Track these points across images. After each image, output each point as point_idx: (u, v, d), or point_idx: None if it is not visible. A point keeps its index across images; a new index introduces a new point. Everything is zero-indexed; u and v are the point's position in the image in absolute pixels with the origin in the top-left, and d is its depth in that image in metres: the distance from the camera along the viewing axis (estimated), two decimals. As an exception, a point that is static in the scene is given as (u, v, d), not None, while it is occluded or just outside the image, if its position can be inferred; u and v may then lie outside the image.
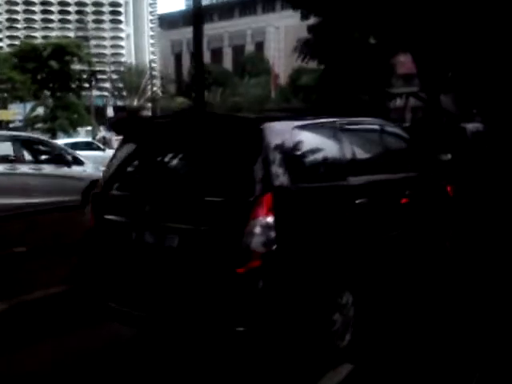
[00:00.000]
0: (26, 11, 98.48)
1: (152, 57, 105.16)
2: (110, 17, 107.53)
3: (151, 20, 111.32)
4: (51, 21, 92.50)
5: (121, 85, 35.78)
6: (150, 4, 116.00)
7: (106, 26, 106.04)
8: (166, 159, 3.98)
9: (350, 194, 4.09)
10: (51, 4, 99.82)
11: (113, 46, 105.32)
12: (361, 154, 4.42)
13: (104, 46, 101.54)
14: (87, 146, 19.49)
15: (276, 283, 3.32)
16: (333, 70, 21.30)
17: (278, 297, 3.33)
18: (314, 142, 3.97)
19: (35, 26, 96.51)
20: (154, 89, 46.31)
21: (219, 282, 3.29)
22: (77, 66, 29.18)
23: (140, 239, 3.66)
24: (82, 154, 11.92)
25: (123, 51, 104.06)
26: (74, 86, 29.88)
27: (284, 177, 3.46)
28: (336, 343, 3.76)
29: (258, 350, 3.55)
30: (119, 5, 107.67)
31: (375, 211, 4.31)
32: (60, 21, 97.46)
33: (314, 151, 3.93)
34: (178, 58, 75.50)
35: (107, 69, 43.89)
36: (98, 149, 19.71)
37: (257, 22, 70.18)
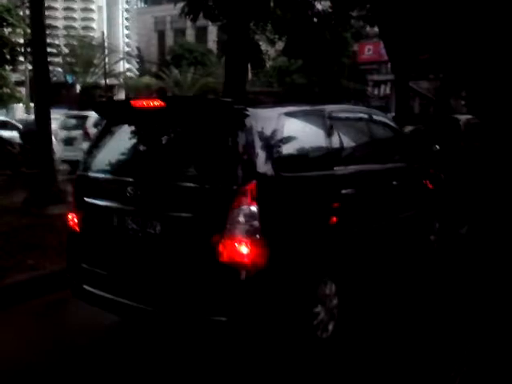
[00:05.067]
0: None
1: (126, 31, 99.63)
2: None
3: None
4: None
5: (72, 59, 32.02)
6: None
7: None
8: (149, 144, 3.86)
9: (335, 184, 4.06)
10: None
11: (83, 19, 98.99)
12: (348, 143, 4.40)
13: (73, 18, 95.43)
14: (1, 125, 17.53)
15: (259, 273, 3.26)
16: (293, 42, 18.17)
17: (260, 287, 3.30)
18: (300, 129, 3.92)
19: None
20: (125, 66, 42.77)
21: (201, 272, 3.28)
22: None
23: (122, 224, 3.63)
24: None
25: (94, 24, 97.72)
26: (8, 57, 25.49)
27: (269, 165, 3.40)
28: (318, 335, 3.76)
29: (238, 342, 3.49)
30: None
31: (360, 202, 4.32)
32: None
33: (300, 139, 3.85)
34: (160, 35, 73.58)
35: (56, 42, 39.65)
36: (13, 128, 17.32)
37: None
